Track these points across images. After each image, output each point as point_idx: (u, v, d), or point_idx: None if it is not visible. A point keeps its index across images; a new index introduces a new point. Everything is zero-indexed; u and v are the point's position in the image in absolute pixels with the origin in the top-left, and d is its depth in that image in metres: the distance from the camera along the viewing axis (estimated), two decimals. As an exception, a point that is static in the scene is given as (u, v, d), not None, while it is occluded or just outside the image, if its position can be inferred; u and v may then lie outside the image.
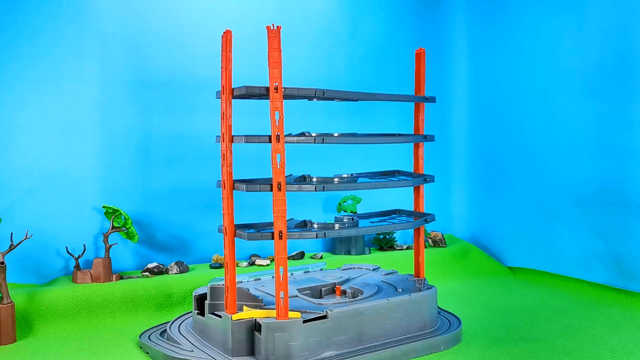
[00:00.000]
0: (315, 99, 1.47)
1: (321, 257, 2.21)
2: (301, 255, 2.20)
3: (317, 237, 1.34)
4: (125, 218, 1.89)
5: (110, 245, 1.87)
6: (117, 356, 1.35)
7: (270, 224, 1.40)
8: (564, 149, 2.17)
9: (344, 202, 2.33)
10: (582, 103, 2.09)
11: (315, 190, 1.31)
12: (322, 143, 1.33)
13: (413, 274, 1.67)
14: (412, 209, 1.66)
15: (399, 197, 2.23)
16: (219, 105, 2.22)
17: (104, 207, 1.90)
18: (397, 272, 1.72)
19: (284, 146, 1.24)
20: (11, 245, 1.65)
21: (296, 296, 1.44)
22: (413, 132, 1.64)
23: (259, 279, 1.60)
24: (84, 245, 1.89)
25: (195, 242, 2.14)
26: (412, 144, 1.65)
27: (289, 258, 2.19)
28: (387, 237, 2.39)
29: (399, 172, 1.68)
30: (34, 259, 1.84)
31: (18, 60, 1.84)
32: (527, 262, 2.35)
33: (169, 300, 1.81)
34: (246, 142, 1.28)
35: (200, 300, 1.44)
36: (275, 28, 1.23)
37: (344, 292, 1.51)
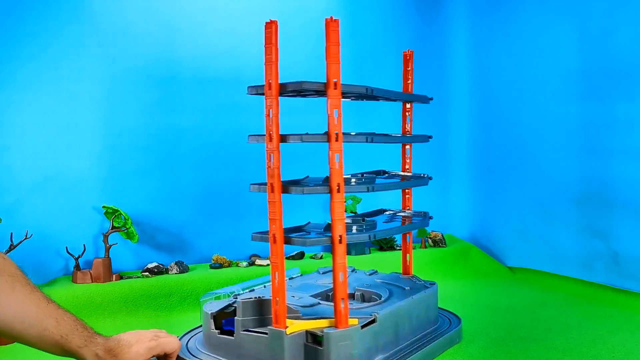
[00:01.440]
0: (364, 99, 1.44)
1: (321, 257, 2.21)
2: (301, 256, 2.20)
3: (370, 240, 1.30)
4: (125, 218, 1.89)
5: (110, 245, 1.87)
6: (117, 356, 1.35)
7: (298, 228, 1.35)
8: (564, 149, 2.17)
9: (344, 202, 2.33)
10: (582, 103, 2.09)
11: (368, 191, 1.27)
12: (372, 142, 1.31)
13: (401, 272, 1.66)
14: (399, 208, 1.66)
15: (394, 197, 2.23)
16: (219, 102, 2.23)
17: (104, 207, 1.90)
18: (377, 271, 1.69)
19: (342, 145, 1.16)
20: (11, 245, 1.66)
21: (319, 303, 1.34)
22: (401, 133, 1.63)
23: (253, 290, 1.50)
24: (84, 245, 1.89)
25: (195, 242, 2.15)
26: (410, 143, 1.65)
27: (289, 258, 2.19)
28: (387, 237, 2.39)
29: (385, 172, 1.65)
30: (34, 259, 1.84)
31: (17, 60, 1.84)
32: (527, 262, 2.35)
33: (169, 300, 1.81)
34: (302, 141, 1.20)
35: (219, 318, 1.30)
36: (334, 20, 1.15)
37: (351, 296, 1.49)
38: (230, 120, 2.20)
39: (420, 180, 1.53)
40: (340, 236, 1.17)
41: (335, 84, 1.15)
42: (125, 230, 1.90)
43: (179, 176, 2.11)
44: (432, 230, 2.51)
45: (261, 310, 1.24)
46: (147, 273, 1.89)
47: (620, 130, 1.94)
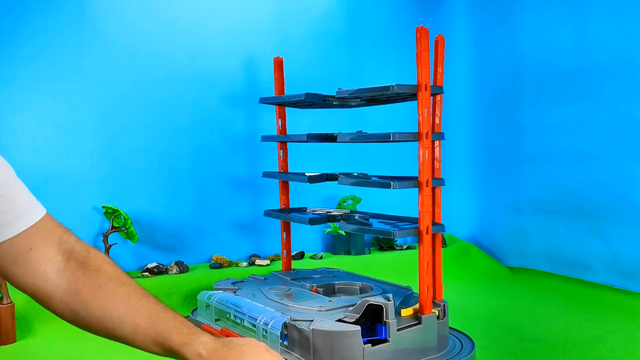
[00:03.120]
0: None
1: (321, 258, 2.20)
2: (301, 255, 2.20)
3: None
4: (125, 218, 1.89)
5: (110, 245, 1.87)
6: (117, 357, 1.35)
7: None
8: (564, 149, 2.17)
9: (344, 202, 2.33)
10: (581, 104, 2.09)
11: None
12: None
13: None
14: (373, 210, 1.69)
15: (395, 198, 2.23)
16: (219, 102, 2.22)
17: (103, 207, 1.90)
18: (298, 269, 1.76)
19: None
20: (11, 245, 1.65)
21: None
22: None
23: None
24: (84, 245, 1.89)
25: (195, 242, 2.14)
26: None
27: (289, 258, 2.19)
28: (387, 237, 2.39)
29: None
30: (34, 259, 1.83)
31: (17, 60, 1.84)
32: (527, 262, 2.35)
33: (169, 300, 1.81)
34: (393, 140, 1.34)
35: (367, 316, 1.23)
36: (424, 28, 1.30)
37: (336, 289, 1.54)
38: (230, 120, 2.20)
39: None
40: (427, 227, 1.26)
41: (426, 85, 1.29)
42: (125, 230, 1.90)
43: (179, 176, 2.11)
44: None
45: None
46: (147, 273, 1.89)
47: (621, 131, 1.94)
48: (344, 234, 2.26)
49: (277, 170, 1.79)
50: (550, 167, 2.23)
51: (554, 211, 2.21)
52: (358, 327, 1.15)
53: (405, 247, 2.40)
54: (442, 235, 2.45)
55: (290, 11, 2.30)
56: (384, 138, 1.33)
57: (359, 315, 1.18)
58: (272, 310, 1.27)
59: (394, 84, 1.31)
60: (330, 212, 1.66)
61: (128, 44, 2.01)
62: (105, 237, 1.86)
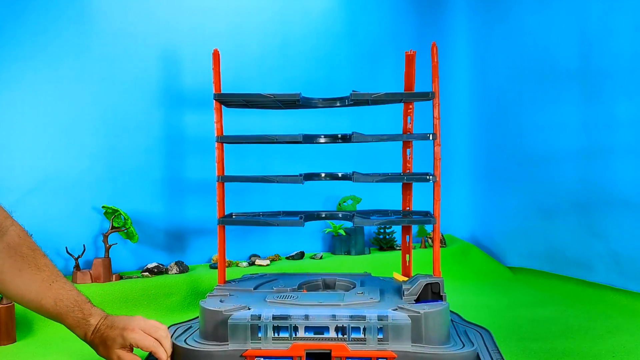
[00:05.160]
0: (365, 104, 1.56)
1: (321, 258, 2.20)
2: (301, 256, 2.20)
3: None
4: (125, 218, 1.89)
5: (110, 245, 1.87)
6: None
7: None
8: (564, 149, 2.17)
9: (344, 202, 2.33)
10: (582, 102, 2.09)
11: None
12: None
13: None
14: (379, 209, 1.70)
15: (394, 198, 2.22)
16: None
17: (103, 207, 1.90)
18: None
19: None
20: (11, 245, 1.65)
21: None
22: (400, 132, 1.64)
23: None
24: (84, 245, 1.89)
25: (195, 242, 2.15)
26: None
27: (288, 258, 2.19)
28: (387, 237, 2.39)
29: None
30: (34, 259, 1.83)
31: (17, 60, 1.84)
32: (527, 262, 2.35)
33: (169, 300, 1.81)
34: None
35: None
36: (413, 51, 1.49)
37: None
38: (231, 120, 2.20)
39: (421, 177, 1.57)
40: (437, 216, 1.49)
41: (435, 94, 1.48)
42: (125, 230, 1.90)
43: (179, 176, 2.11)
44: (432, 230, 2.50)
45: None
46: (147, 273, 1.89)
47: (621, 130, 1.94)
48: (344, 234, 2.26)
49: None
50: (551, 167, 2.23)
51: (554, 211, 2.21)
52: (447, 304, 1.29)
53: (405, 247, 2.40)
54: (442, 235, 2.47)
55: (290, 11, 2.31)
56: (397, 138, 1.53)
57: (416, 296, 1.31)
58: (345, 311, 1.21)
59: (402, 92, 1.47)
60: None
61: (128, 44, 2.01)
62: (105, 237, 1.86)
